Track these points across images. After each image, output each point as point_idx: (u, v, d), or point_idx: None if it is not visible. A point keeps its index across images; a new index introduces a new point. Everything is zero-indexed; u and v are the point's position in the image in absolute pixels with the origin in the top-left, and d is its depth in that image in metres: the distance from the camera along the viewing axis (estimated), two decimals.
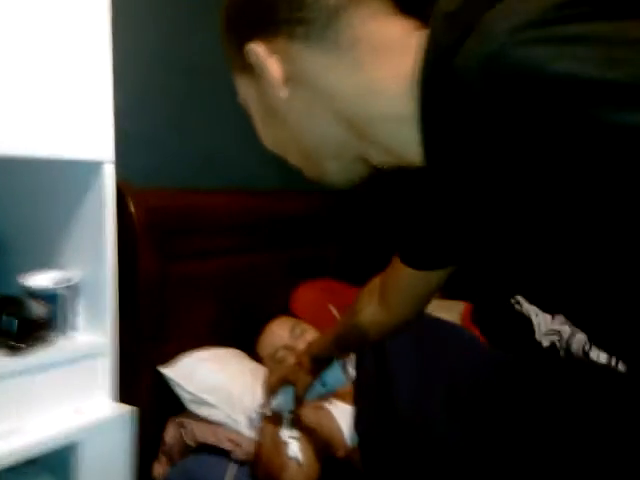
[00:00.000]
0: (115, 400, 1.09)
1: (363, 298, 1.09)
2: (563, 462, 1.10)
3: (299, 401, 1.28)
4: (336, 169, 0.67)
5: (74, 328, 1.09)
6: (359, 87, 0.59)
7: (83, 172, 1.05)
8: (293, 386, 1.28)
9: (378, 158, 0.64)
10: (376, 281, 1.07)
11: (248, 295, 1.77)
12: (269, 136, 0.70)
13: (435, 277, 0.94)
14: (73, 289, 1.07)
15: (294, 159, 0.70)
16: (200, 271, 1.61)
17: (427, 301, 1.01)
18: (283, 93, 0.62)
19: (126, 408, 1.07)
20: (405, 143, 0.58)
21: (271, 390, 1.35)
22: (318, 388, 1.27)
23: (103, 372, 1.06)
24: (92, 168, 1.04)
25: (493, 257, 0.82)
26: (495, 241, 0.70)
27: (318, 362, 1.23)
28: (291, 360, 1.57)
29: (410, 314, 1.02)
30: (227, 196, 1.72)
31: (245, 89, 0.68)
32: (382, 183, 0.72)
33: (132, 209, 1.38)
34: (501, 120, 0.46)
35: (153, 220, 1.44)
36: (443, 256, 0.88)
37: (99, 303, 1.06)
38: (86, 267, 1.08)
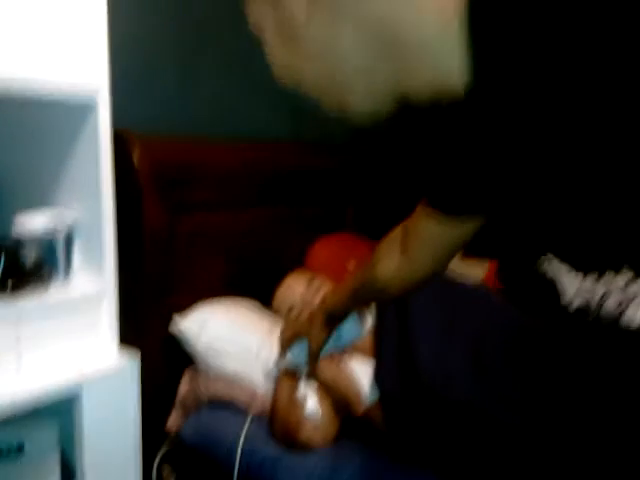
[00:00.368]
0: (119, 347, 1.05)
1: (382, 249, 1.00)
2: (587, 423, 1.05)
3: (313, 357, 1.24)
4: (360, 99, 0.60)
5: (71, 271, 1.04)
6: (401, 2, 0.52)
7: (78, 106, 0.99)
8: (307, 341, 1.24)
9: (416, 86, 0.57)
10: (397, 231, 0.98)
11: (260, 250, 1.72)
12: (284, 63, 0.63)
13: (464, 227, 0.86)
14: (68, 230, 1.02)
15: (312, 89, 0.63)
16: (209, 224, 1.56)
17: (453, 254, 0.92)
18: (304, 11, 0.55)
19: (130, 355, 1.03)
20: (450, 67, 0.52)
21: (284, 346, 1.31)
22: (334, 342, 1.22)
23: (105, 317, 1.01)
24: (87, 101, 0.98)
25: (527, 201, 0.76)
26: (531, 182, 0.64)
27: (332, 317, 1.17)
28: (308, 314, 1.53)
29: (434, 267, 0.94)
30: (236, 147, 1.65)
31: (260, 10, 0.60)
32: (409, 118, 0.65)
33: (136, 158, 1.32)
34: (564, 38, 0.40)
35: (158, 170, 1.38)
36: (475, 200, 0.80)
37: (96, 245, 1.00)
38: (82, 207, 1.02)
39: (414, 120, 0.60)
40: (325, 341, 1.21)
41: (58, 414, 1.03)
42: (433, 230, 0.88)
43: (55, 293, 0.97)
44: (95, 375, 0.96)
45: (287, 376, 1.32)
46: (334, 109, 0.63)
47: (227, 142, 1.65)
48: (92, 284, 1.02)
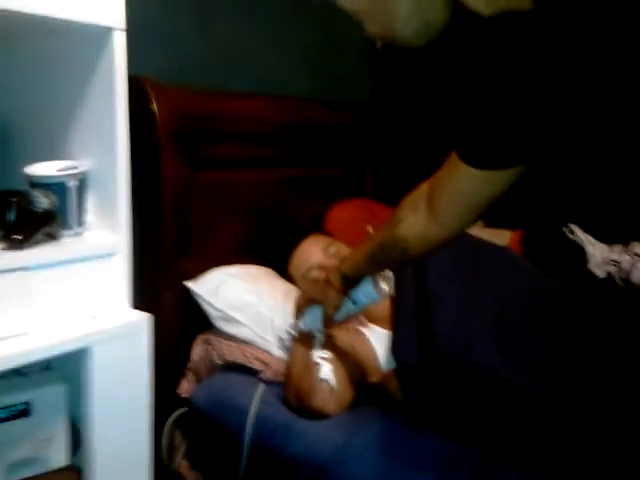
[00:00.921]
0: (132, 305, 1.01)
1: (406, 208, 0.95)
2: (611, 392, 1.00)
3: (328, 321, 1.19)
4: (408, 14, 0.54)
5: (83, 224, 0.99)
6: None
7: (91, 42, 0.93)
8: (322, 306, 1.19)
9: None
10: (423, 187, 0.93)
11: (280, 211, 1.67)
12: None
13: (495, 181, 0.80)
14: (81, 180, 0.97)
15: (355, 10, 0.56)
16: (229, 182, 1.50)
17: (482, 211, 0.87)
18: None
19: (143, 314, 0.99)
20: None
21: (298, 310, 1.27)
22: (349, 307, 1.18)
23: (118, 272, 0.97)
24: (101, 36, 0.92)
25: (563, 156, 0.70)
26: (570, 135, 0.58)
27: (349, 280, 1.12)
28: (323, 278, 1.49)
29: (462, 225, 0.89)
30: (260, 101, 1.58)
31: None
32: (461, 34, 0.58)
33: (154, 107, 1.25)
34: None
35: (178, 121, 1.32)
36: (510, 152, 0.74)
37: (110, 197, 0.95)
38: (95, 157, 0.97)
39: (468, 36, 0.54)
40: (341, 305, 1.17)
41: (67, 377, 1.00)
42: (463, 185, 0.83)
43: (67, 245, 0.93)
44: (106, 332, 0.93)
45: (302, 342, 1.28)
46: (378, 30, 0.57)
47: (250, 95, 1.58)
48: (105, 237, 0.97)
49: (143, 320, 0.96)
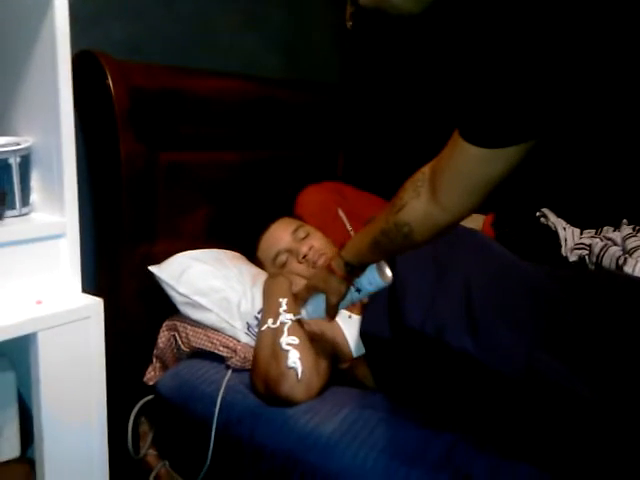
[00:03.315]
0: (83, 290, 0.96)
1: (408, 191, 0.91)
2: (587, 373, 0.99)
3: (332, 309, 1.14)
4: None
5: (29, 204, 0.94)
6: None
7: (30, 11, 0.88)
8: (324, 294, 1.14)
9: None
10: (424, 170, 0.89)
11: (249, 194, 1.62)
12: None
13: (499, 161, 0.76)
14: (24, 157, 0.91)
15: None
16: (195, 163, 1.45)
17: (489, 191, 0.82)
18: None
19: (93, 298, 0.94)
20: None
21: (300, 299, 1.22)
22: (353, 295, 1.13)
23: (65, 257, 0.92)
24: (40, 4, 0.86)
25: (569, 129, 0.66)
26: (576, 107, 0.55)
27: (352, 267, 1.08)
28: (293, 264, 1.45)
29: (469, 206, 0.85)
30: (226, 79, 1.52)
31: None
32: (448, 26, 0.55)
33: (111, 82, 1.19)
34: None
35: (136, 99, 1.26)
36: (514, 128, 0.71)
37: (56, 176, 0.90)
38: (39, 132, 0.91)
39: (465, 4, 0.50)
40: (345, 293, 1.12)
41: (18, 365, 0.96)
42: (466, 165, 0.79)
43: (11, 225, 0.88)
44: (52, 317, 0.88)
45: (270, 329, 1.24)
46: (372, 1, 0.53)
47: (215, 74, 1.51)
48: (52, 218, 0.92)
49: (94, 305, 0.92)
